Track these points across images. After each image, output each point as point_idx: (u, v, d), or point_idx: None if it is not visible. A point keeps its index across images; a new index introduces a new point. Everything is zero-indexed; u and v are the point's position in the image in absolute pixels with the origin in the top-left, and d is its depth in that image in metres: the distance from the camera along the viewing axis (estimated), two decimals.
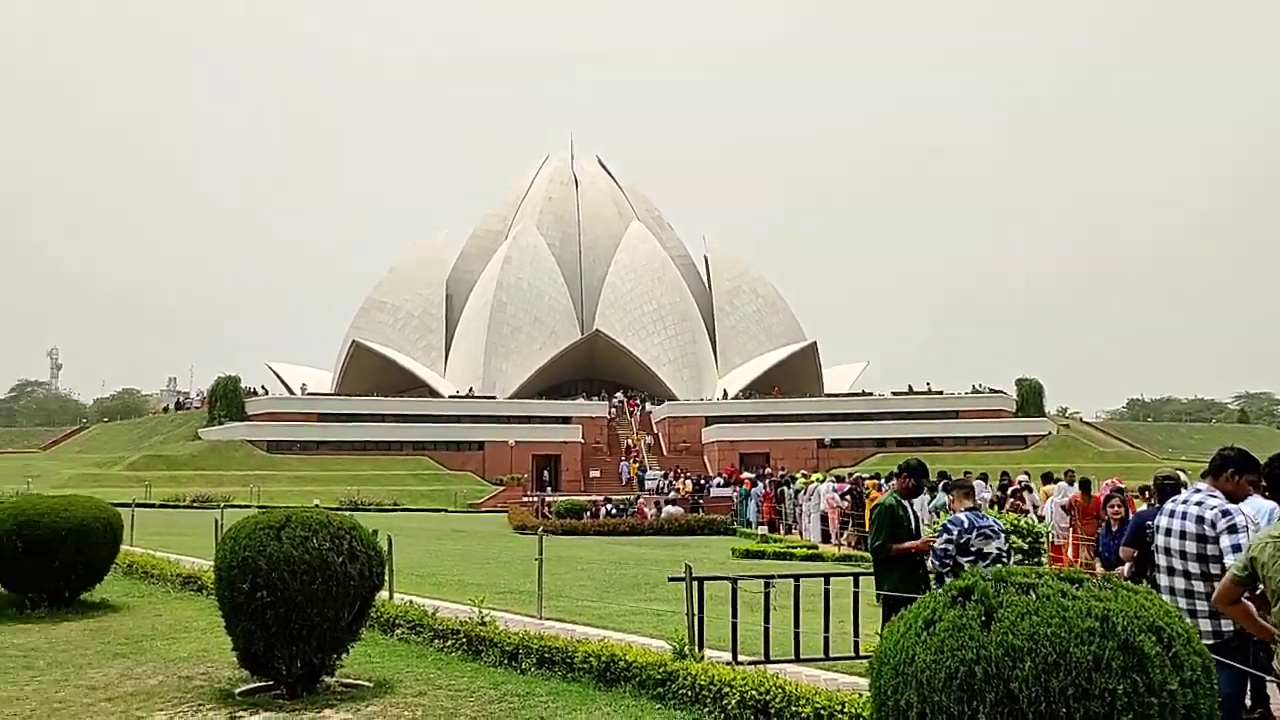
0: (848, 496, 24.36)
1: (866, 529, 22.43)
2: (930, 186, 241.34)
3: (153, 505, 34.86)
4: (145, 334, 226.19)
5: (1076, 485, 17.46)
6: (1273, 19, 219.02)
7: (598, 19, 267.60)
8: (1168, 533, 6.15)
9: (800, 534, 27.25)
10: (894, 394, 68.40)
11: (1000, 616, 3.67)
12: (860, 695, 6.83)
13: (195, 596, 12.80)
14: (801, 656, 8.98)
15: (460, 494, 49.94)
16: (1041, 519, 17.95)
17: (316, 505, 9.28)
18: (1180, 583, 6.01)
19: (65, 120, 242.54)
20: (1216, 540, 5.85)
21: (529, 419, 61.84)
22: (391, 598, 10.93)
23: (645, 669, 7.79)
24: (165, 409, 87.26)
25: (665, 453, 61.93)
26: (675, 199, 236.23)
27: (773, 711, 6.81)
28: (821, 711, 6.57)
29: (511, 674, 8.50)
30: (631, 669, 7.89)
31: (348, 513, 9.30)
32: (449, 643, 9.50)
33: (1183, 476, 10.53)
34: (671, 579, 10.12)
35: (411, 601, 11.03)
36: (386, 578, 9.68)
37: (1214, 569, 5.79)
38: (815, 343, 75.59)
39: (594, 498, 43.21)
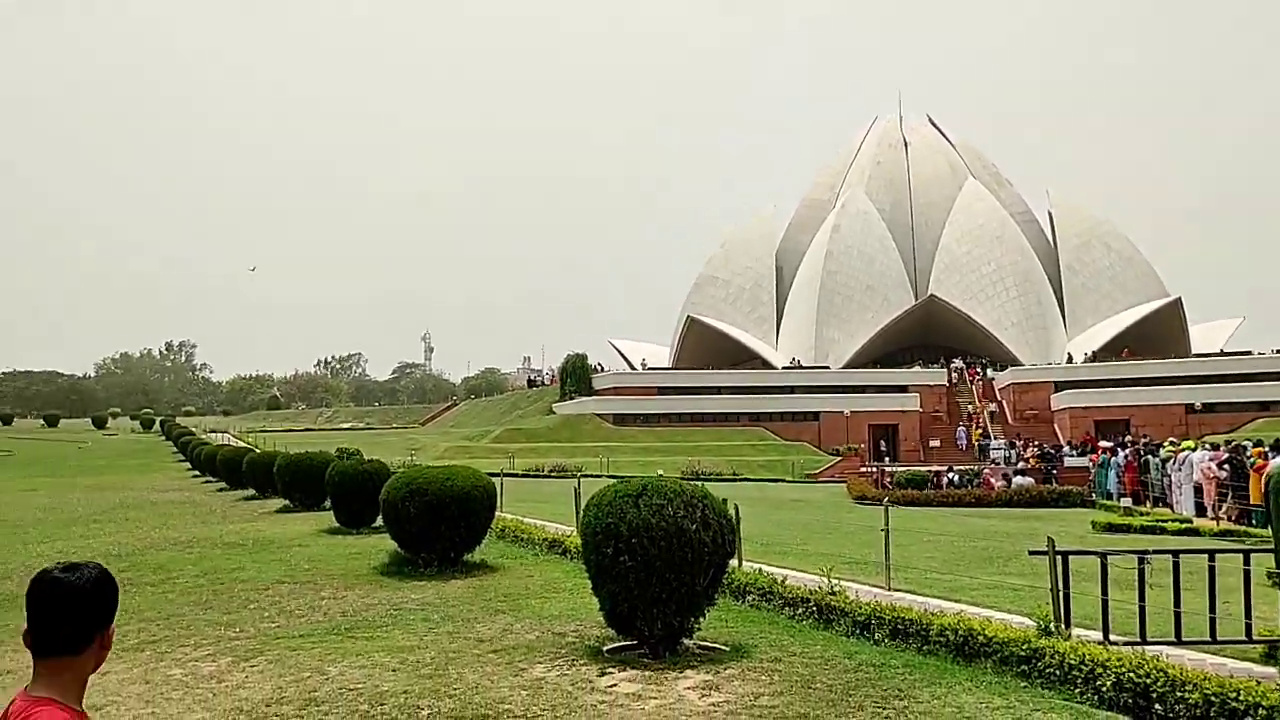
0: (1225, 466, 22.06)
1: (1252, 501, 20.30)
2: None
3: (516, 475, 37.73)
4: (502, 317, 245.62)
5: None
6: None
7: None
8: None
9: (1171, 507, 25.02)
10: (1277, 352, 60.91)
11: None
12: (1258, 682, 6.20)
13: (560, 559, 13.74)
14: (1183, 638, 8.26)
15: (797, 464, 50.19)
16: None
17: (660, 475, 9.64)
18: None
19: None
20: None
21: (864, 388, 61.03)
22: (740, 565, 11.18)
23: (1007, 645, 7.47)
24: (524, 385, 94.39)
25: (1010, 421, 58.94)
26: (1012, 154, 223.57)
27: (1154, 696, 6.33)
28: (1212, 698, 6.03)
29: (864, 644, 8.45)
30: (991, 644, 7.59)
31: (696, 483, 9.61)
32: (799, 610, 9.59)
33: None
34: (1032, 553, 9.64)
35: (760, 569, 11.23)
36: (736, 545, 9.93)
37: None
38: (1179, 299, 68.91)
39: (934, 468, 41.92)
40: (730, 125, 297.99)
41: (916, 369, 66.52)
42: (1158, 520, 21.43)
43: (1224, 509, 21.22)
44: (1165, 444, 31.40)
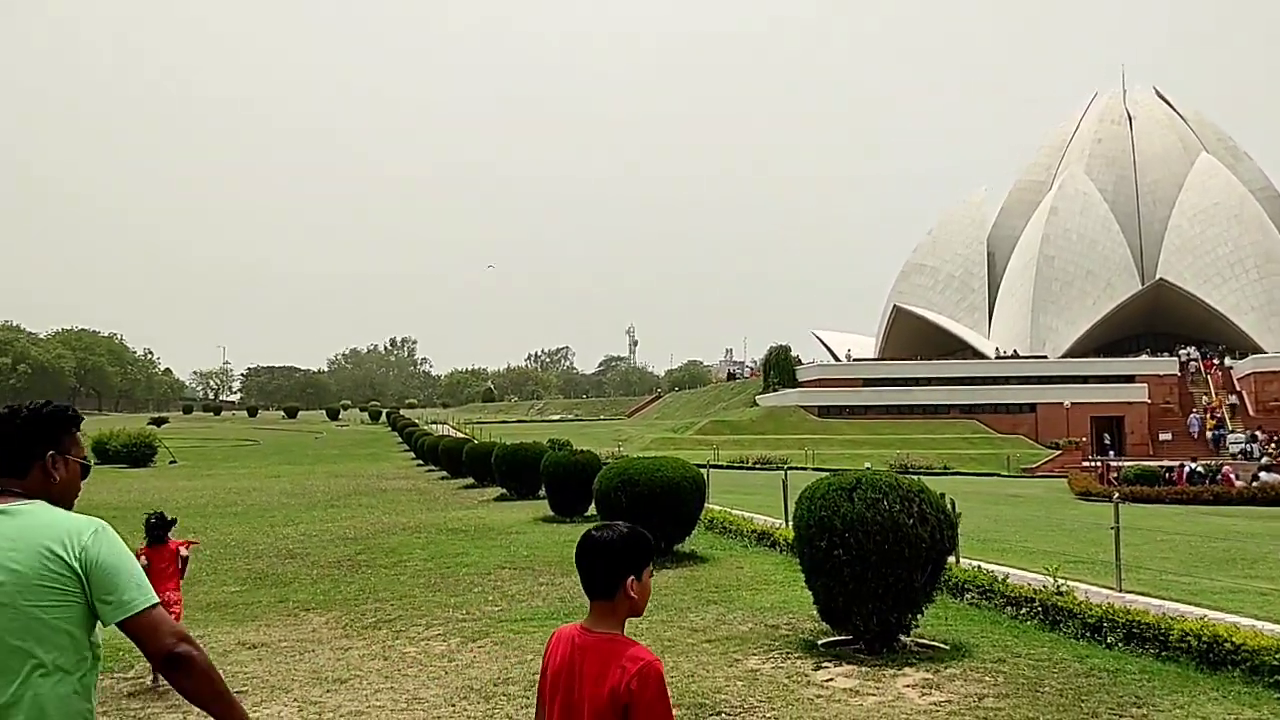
0: None
1: None
2: None
3: (720, 466, 37.87)
4: (705, 309, 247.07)
5: None
6: None
7: None
8: None
9: None
10: None
11: None
12: None
13: (769, 551, 13.73)
14: None
15: (1012, 458, 48.18)
16: None
17: (868, 468, 9.47)
18: None
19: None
20: None
21: (1085, 379, 57.96)
22: (958, 561, 10.85)
23: (1259, 653, 6.94)
24: (724, 378, 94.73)
25: (1251, 412, 54.54)
26: (1251, 127, 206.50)
27: None
28: None
29: (1095, 648, 8.05)
30: (1240, 652, 7.07)
31: (910, 476, 9.38)
32: (1023, 610, 9.22)
33: None
34: None
35: (979, 566, 10.87)
36: (954, 541, 9.65)
37: None
38: None
39: (1166, 463, 39.32)
40: (940, 105, 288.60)
41: (1144, 357, 62.54)
42: None
43: None
44: None
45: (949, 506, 8.61)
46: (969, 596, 10.04)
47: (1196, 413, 55.67)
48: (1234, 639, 7.22)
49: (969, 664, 7.59)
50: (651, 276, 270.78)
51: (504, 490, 23.98)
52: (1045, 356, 64.47)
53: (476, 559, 13.69)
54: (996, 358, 65.91)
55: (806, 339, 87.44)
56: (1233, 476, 33.31)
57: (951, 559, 9.96)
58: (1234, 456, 45.18)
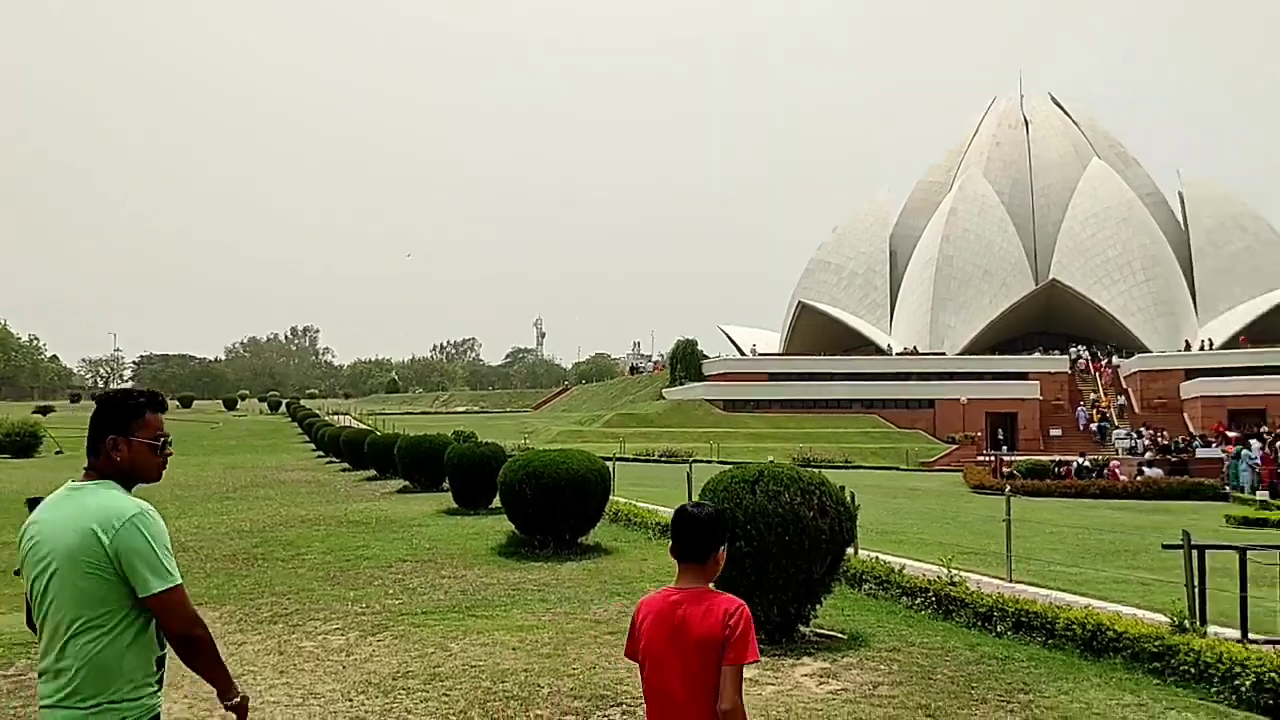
0: None
1: None
2: None
3: (627, 459, 37.99)
4: (613, 302, 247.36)
5: None
6: None
7: None
8: None
9: None
10: None
11: None
12: None
13: None
14: None
15: (911, 452, 49.35)
16: None
17: (771, 461, 9.59)
18: None
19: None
20: None
21: (981, 375, 59.56)
22: (857, 553, 11.07)
23: (1139, 641, 7.23)
24: (628, 371, 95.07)
25: (1137, 409, 56.81)
26: (1140, 134, 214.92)
27: None
28: None
29: (986, 636, 8.29)
30: (1122, 640, 7.36)
31: (810, 469, 9.53)
32: (918, 600, 9.45)
33: None
34: (1166, 546, 9.30)
35: (877, 558, 11.10)
36: (853, 533, 9.83)
37: None
38: None
39: (1055, 457, 40.69)
40: (846, 108, 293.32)
41: (1037, 355, 64.59)
42: None
43: None
44: None
45: (848, 499, 8.77)
46: (867, 587, 10.25)
47: (1083, 406, 57.87)
48: (1116, 627, 7.51)
49: (865, 653, 7.75)
50: (560, 269, 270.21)
51: (407, 483, 23.66)
52: (943, 353, 66.14)
53: (377, 552, 13.47)
54: (897, 354, 67.38)
55: (714, 333, 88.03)
56: (1119, 472, 34.61)
57: (850, 550, 10.16)
58: (1118, 452, 46.95)
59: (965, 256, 73.36)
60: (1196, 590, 7.86)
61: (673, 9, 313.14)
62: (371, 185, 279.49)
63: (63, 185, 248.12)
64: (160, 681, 3.10)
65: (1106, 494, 29.18)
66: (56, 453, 41.51)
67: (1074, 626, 7.75)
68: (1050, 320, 70.26)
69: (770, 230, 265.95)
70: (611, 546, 13.68)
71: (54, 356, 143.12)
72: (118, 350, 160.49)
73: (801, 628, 8.34)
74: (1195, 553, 7.95)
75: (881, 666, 7.35)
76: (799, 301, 76.41)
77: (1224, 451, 34.45)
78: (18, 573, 2.93)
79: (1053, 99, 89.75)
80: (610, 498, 15.02)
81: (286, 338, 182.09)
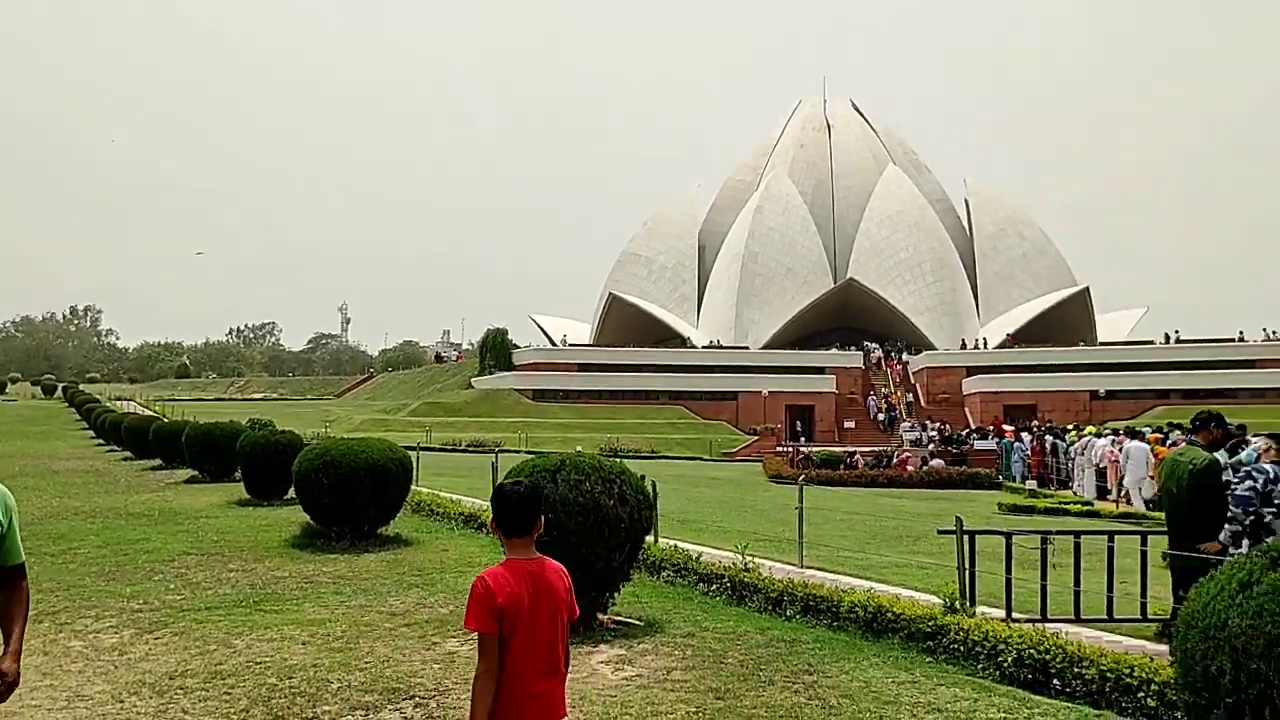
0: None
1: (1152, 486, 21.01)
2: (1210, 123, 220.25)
3: (433, 449, 37.38)
4: (422, 289, 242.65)
5: None
6: None
7: None
8: None
9: (1074, 490, 25.84)
10: (1179, 342, 63.04)
11: None
12: (1151, 659, 6.44)
13: (476, 534, 13.66)
14: (1082, 616, 8.54)
15: (715, 443, 50.58)
16: None
17: (579, 451, 9.64)
18: None
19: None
20: None
21: (782, 369, 61.65)
22: (656, 541, 11.25)
23: (914, 622, 7.65)
24: (433, 360, 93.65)
25: (924, 404, 60.22)
26: (933, 142, 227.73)
27: (1053, 671, 6.53)
28: (1108, 673, 6.24)
29: (776, 620, 8.58)
30: (899, 621, 7.76)
31: (614, 459, 9.61)
32: (713, 587, 9.69)
33: None
34: (941, 532, 9.86)
35: (675, 546, 11.31)
36: (653, 522, 9.98)
37: None
38: (1087, 288, 70.93)
39: (849, 448, 42.65)
40: (661, 105, 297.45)
41: (833, 351, 67.44)
42: (1061, 503, 22.15)
43: (1124, 492, 21.98)
44: (1070, 429, 32.42)
45: (649, 488, 8.90)
46: (665, 574, 10.43)
47: (873, 397, 61.04)
48: (895, 609, 7.92)
49: (660, 639, 7.88)
50: (367, 253, 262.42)
51: (195, 472, 22.50)
52: (747, 348, 68.11)
53: (159, 545, 12.74)
54: (703, 348, 68.95)
55: (526, 323, 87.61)
56: (907, 464, 36.55)
57: (650, 538, 10.31)
58: (904, 443, 49.62)
59: (770, 254, 75.76)
60: (967, 573, 8.37)
61: None
62: (160, 154, 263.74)
63: None
64: None
65: (894, 483, 30.75)
66: None
67: (857, 609, 8.12)
68: (848, 317, 73.45)
69: (588, 222, 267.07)
70: (413, 537, 13.41)
71: None
72: None
73: (600, 616, 8.40)
74: (966, 538, 8.47)
75: (676, 652, 7.49)
76: (610, 293, 77.05)
77: (998, 444, 36.87)
78: None
79: (854, 105, 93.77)
80: (413, 488, 14.76)
81: (65, 317, 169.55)
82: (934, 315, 72.34)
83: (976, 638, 7.11)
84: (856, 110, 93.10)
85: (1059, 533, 9.38)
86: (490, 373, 64.62)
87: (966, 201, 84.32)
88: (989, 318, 73.95)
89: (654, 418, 56.18)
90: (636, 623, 8.44)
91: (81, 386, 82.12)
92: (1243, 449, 8.66)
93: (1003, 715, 5.99)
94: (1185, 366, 56.63)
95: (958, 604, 7.91)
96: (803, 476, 18.27)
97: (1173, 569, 8.26)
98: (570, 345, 71.93)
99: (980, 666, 6.97)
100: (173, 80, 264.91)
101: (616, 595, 8.61)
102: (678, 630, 8.18)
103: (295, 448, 15.93)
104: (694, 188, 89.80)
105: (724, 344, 69.58)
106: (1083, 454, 25.56)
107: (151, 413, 43.25)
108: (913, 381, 63.77)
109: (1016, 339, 66.72)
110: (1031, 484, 27.67)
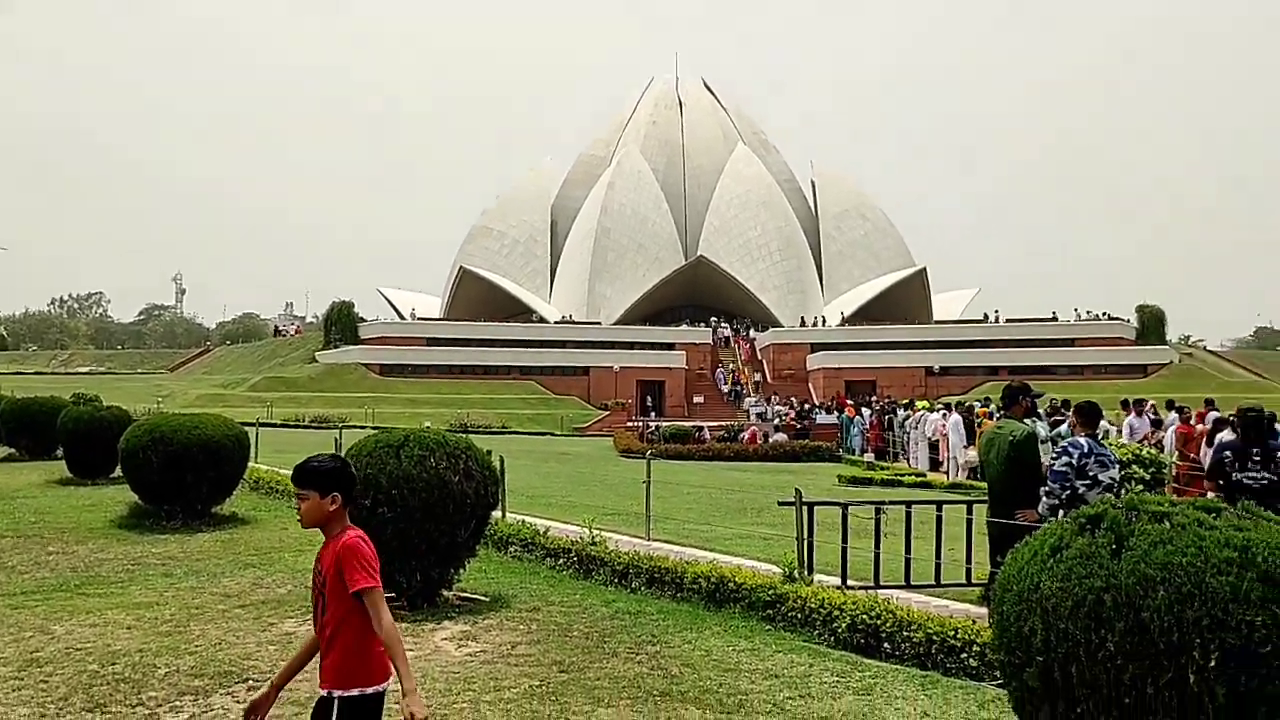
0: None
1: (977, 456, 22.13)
2: (1049, 107, 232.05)
3: (274, 425, 36.17)
4: (264, 260, 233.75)
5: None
6: None
7: None
8: None
9: (908, 462, 26.96)
10: (1007, 321, 66.41)
11: (1132, 545, 3.56)
12: (973, 621, 6.77)
13: None
14: (912, 583, 8.93)
15: (566, 418, 50.65)
16: (1161, 448, 17.38)
17: (427, 427, 9.50)
18: None
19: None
20: None
21: (633, 345, 62.10)
22: (504, 517, 11.19)
23: (754, 591, 7.85)
24: (272, 333, 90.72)
25: (769, 379, 61.69)
26: (782, 122, 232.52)
27: (884, 635, 6.81)
28: (934, 636, 6.54)
29: (622, 593, 8.66)
30: (741, 591, 7.95)
31: (460, 434, 9.50)
32: (560, 561, 9.72)
33: None
34: (781, 503, 10.12)
35: (523, 521, 11.29)
36: (500, 497, 9.92)
37: None
38: (924, 269, 73.87)
39: (698, 423, 43.34)
40: (515, 79, 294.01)
41: (683, 327, 68.27)
42: (897, 474, 23.08)
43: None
44: (906, 404, 33.77)
45: (495, 463, 8.83)
46: (513, 550, 10.40)
47: (721, 370, 62.42)
48: (737, 579, 8.11)
49: (506, 614, 7.86)
50: (204, 220, 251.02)
51: (12, 450, 21.20)
52: (599, 323, 68.29)
53: None
54: (555, 323, 68.79)
55: (374, 297, 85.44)
56: (756, 438, 37.38)
57: (497, 514, 10.26)
58: (750, 418, 50.77)
59: (622, 230, 76.04)
60: (806, 543, 8.64)
61: None
62: None
63: None
64: None
65: (740, 456, 31.38)
66: None
67: (700, 580, 8.28)
68: (698, 294, 74.47)
69: (438, 194, 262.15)
70: (250, 516, 12.99)
71: None
72: None
73: (445, 592, 8.32)
74: (805, 509, 8.73)
75: (521, 626, 7.48)
76: (460, 267, 75.96)
77: (838, 419, 38.09)
78: None
79: (704, 84, 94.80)
80: (250, 465, 14.29)
81: None
82: (780, 293, 74.03)
83: (813, 605, 7.35)
84: (708, 89, 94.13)
85: (892, 503, 9.77)
86: (335, 346, 62.86)
87: (813, 183, 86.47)
88: (832, 296, 76.22)
89: (505, 393, 55.81)
90: (482, 598, 8.39)
91: None
92: (1063, 423, 9.18)
93: (836, 678, 6.22)
94: (1012, 345, 59.72)
95: (796, 573, 8.15)
96: (651, 451, 18.49)
97: (990, 536, 8.70)
98: (419, 319, 70.61)
99: (817, 633, 7.20)
100: None
101: (462, 571, 8.53)
102: (523, 605, 8.18)
103: (122, 424, 15.15)
104: (546, 162, 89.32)
105: (576, 319, 69.59)
106: (916, 428, 26.66)
107: None
108: (759, 358, 65.22)
109: (849, 320, 68.98)
110: (869, 457, 28.73)
